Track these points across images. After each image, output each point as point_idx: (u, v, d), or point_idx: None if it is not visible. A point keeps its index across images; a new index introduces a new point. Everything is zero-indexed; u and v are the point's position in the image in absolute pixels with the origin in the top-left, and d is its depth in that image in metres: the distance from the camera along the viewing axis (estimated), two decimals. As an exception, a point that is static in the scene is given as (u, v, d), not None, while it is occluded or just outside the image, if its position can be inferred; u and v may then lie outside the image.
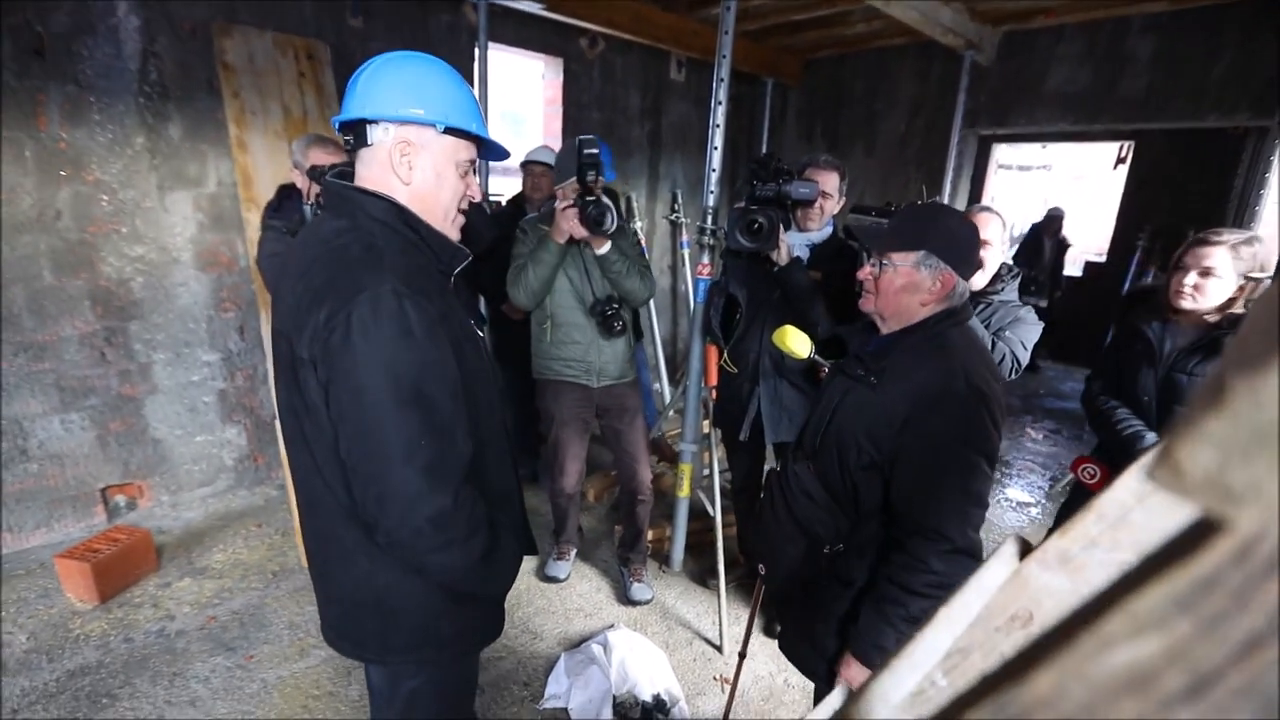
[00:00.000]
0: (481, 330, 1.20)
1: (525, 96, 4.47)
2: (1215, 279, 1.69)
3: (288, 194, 2.33)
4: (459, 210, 1.11)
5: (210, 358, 3.09)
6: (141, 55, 2.66)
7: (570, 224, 2.09)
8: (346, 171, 1.09)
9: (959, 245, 1.28)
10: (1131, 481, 0.29)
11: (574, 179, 2.10)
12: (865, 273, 1.35)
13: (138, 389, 2.91)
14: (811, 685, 1.52)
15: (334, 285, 0.94)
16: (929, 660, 0.36)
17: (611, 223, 2.09)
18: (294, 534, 2.76)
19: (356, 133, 1.02)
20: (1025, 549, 0.38)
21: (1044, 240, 6.12)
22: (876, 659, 1.24)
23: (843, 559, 1.35)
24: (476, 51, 3.22)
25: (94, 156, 2.62)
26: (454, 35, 3.54)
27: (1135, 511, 0.29)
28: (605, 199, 2.10)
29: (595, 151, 2.03)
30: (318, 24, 3.07)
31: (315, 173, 2.05)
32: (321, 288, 0.95)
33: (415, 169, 1.03)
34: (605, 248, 2.20)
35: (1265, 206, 3.35)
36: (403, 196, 1.03)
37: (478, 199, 1.15)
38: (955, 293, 1.29)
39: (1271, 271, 1.68)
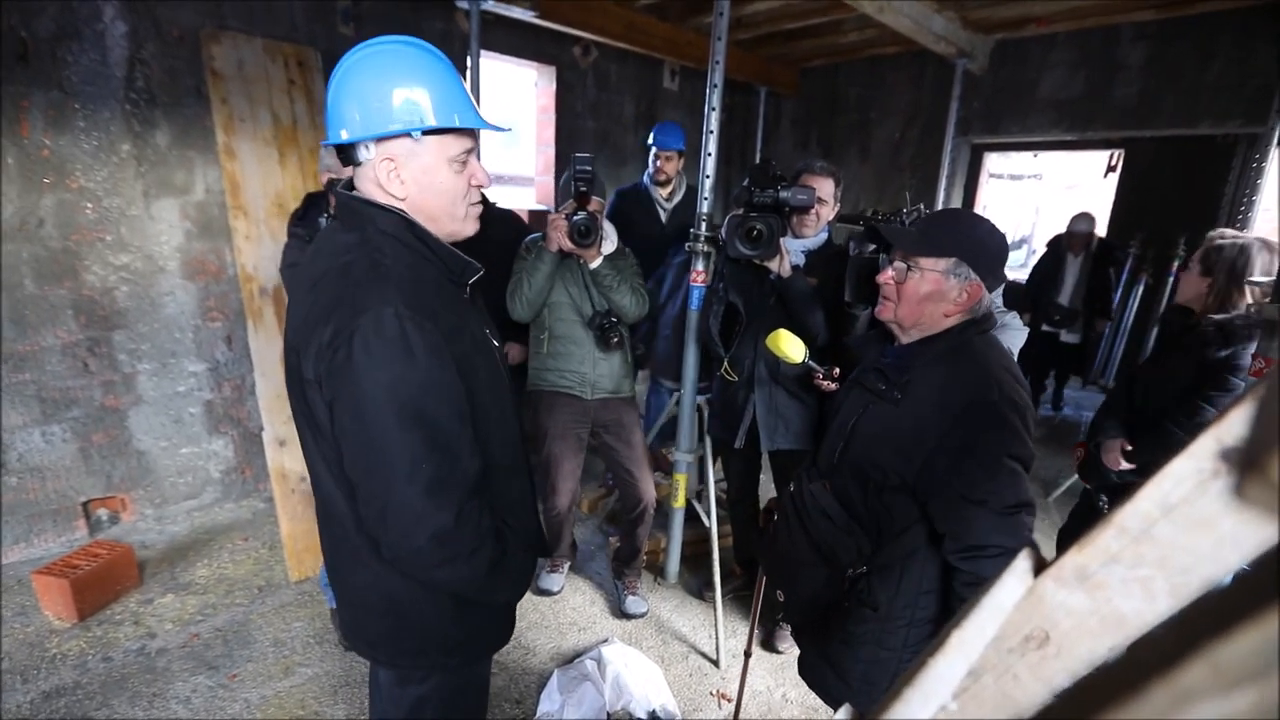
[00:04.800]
0: (498, 340, 1.18)
1: (518, 105, 4.45)
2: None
3: (314, 201, 2.29)
4: (470, 202, 1.08)
5: (196, 368, 3.04)
6: (128, 62, 2.62)
7: (558, 234, 2.12)
8: None
9: (990, 255, 1.23)
10: (1154, 491, 0.26)
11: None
12: (886, 276, 1.27)
13: (121, 400, 2.85)
14: (812, 701, 1.48)
15: (338, 304, 0.94)
16: (944, 689, 0.33)
17: (596, 238, 2.13)
18: (281, 548, 2.70)
19: (346, 151, 1.01)
20: (1040, 564, 0.35)
21: (1066, 257, 4.60)
22: None
23: (865, 581, 1.29)
24: (469, 59, 3.20)
25: (78, 164, 2.58)
26: (446, 43, 3.53)
27: (1160, 525, 0.26)
28: (598, 216, 2.14)
29: (588, 169, 2.06)
30: (309, 31, 3.05)
31: (331, 185, 2.01)
32: (326, 306, 0.95)
33: (406, 182, 1.01)
34: (596, 262, 2.22)
35: (1256, 213, 3.35)
36: (403, 208, 1.02)
37: (487, 185, 1.10)
38: (980, 305, 1.24)
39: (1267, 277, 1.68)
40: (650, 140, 3.17)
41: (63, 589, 2.28)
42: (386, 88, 0.95)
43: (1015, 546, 1.11)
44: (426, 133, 0.97)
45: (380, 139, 0.97)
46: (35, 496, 2.69)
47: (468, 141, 1.03)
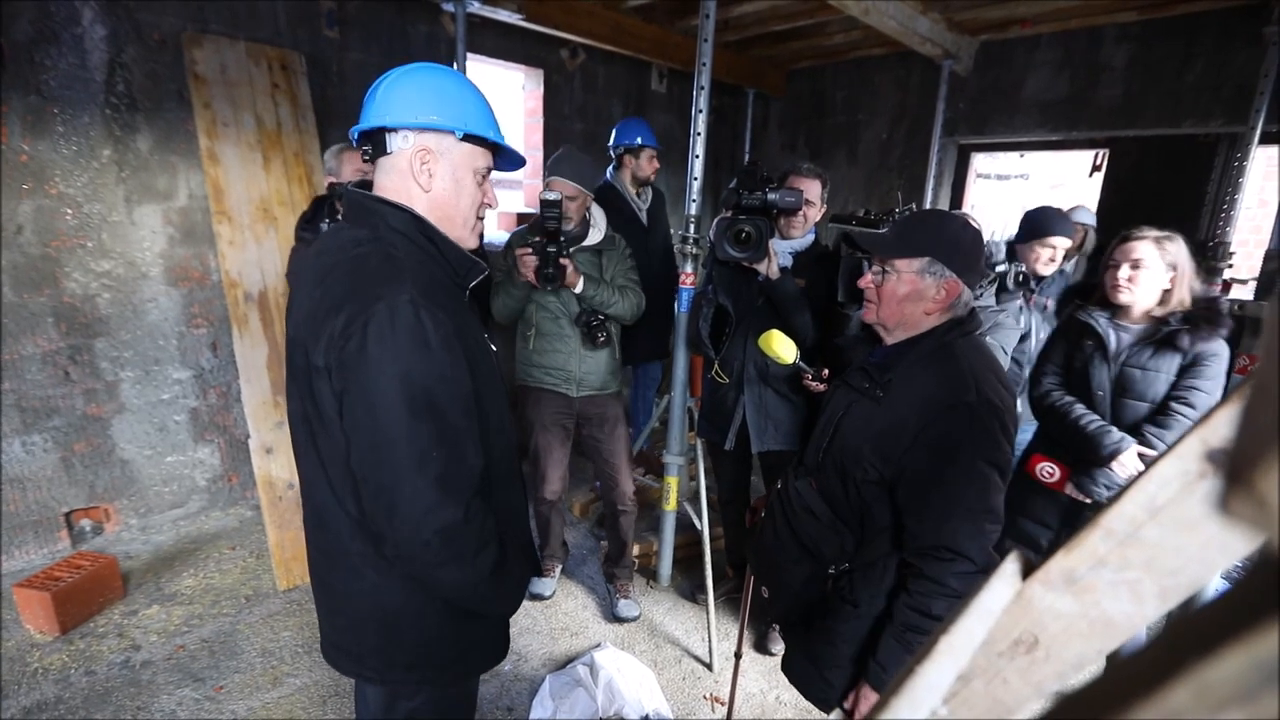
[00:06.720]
0: (495, 345, 1.18)
1: (505, 108, 4.44)
2: (1145, 270, 1.78)
3: (320, 205, 2.27)
4: (478, 217, 1.12)
5: (181, 375, 3.00)
6: (108, 65, 2.59)
7: (526, 271, 2.09)
8: (368, 180, 1.10)
9: (964, 252, 1.26)
10: (1141, 494, 0.26)
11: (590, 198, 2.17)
12: (866, 281, 1.31)
13: (104, 408, 2.80)
14: (807, 703, 1.47)
15: (352, 294, 0.94)
16: (933, 695, 0.32)
17: (563, 277, 2.07)
18: (269, 556, 2.67)
19: (375, 142, 1.03)
20: (1028, 568, 0.34)
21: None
22: None
23: (847, 578, 1.30)
24: (455, 63, 3.18)
25: (58, 169, 2.54)
26: (432, 46, 3.51)
27: (1147, 528, 0.25)
28: (564, 254, 2.06)
29: (556, 212, 1.99)
30: (292, 34, 3.02)
31: (336, 191, 1.99)
32: (339, 296, 0.95)
33: (435, 176, 1.03)
34: (579, 287, 2.20)
35: (1239, 211, 3.39)
36: (422, 205, 1.04)
37: (496, 206, 1.16)
38: (960, 301, 1.26)
39: (1185, 267, 1.77)
40: (635, 139, 3.05)
41: (44, 602, 2.24)
42: (441, 89, 1.03)
43: (970, 555, 1.11)
44: (465, 137, 1.03)
45: (422, 129, 1.01)
46: (16, 508, 2.64)
47: (490, 161, 1.10)
